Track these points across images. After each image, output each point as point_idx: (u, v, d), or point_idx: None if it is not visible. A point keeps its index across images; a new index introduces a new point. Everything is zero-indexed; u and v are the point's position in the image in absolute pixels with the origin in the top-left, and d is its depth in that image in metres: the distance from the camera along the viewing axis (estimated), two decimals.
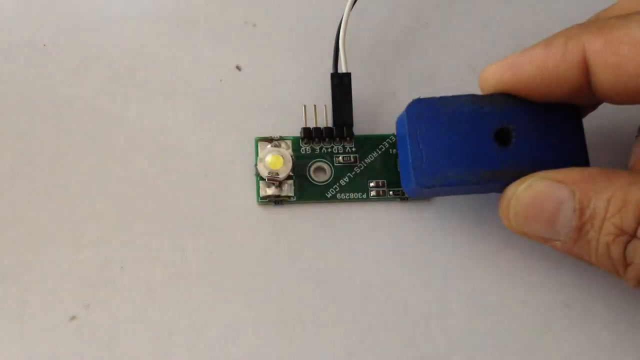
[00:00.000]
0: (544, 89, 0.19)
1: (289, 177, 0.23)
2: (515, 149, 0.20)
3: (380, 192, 0.23)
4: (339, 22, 0.24)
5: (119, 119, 0.24)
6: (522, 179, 0.19)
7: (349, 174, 0.23)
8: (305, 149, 0.23)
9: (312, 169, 0.23)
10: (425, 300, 0.22)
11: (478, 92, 0.21)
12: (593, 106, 0.21)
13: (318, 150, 0.23)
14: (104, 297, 0.22)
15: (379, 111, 0.24)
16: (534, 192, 0.19)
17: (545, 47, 0.19)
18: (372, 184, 0.23)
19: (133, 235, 0.22)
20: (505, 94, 0.20)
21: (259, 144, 0.23)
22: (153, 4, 0.26)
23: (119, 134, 0.24)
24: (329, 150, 0.23)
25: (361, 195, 0.23)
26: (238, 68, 0.25)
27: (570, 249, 0.18)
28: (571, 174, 0.18)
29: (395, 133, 0.24)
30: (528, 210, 0.19)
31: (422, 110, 0.20)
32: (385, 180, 0.23)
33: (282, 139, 0.23)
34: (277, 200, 0.23)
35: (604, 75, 0.18)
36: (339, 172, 0.23)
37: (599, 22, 0.18)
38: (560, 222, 0.18)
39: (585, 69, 0.18)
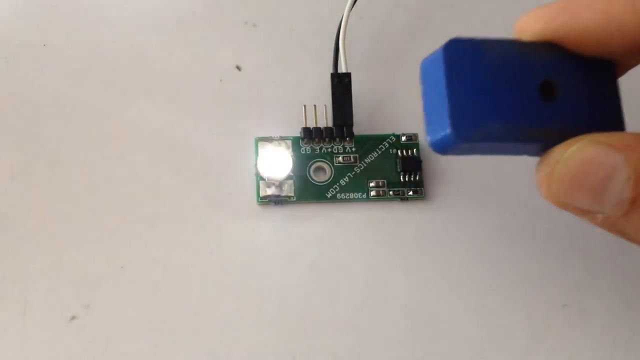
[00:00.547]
0: (601, 40, 0.17)
1: (289, 177, 0.23)
2: (560, 106, 0.17)
3: (380, 192, 0.23)
4: (339, 22, 0.24)
5: (119, 119, 0.24)
6: (570, 141, 0.17)
7: (349, 174, 0.23)
8: (305, 149, 0.23)
9: (312, 169, 0.23)
10: (425, 300, 0.22)
11: None
12: (628, 67, 0.19)
13: (318, 150, 0.24)
14: (104, 297, 0.22)
15: (379, 111, 0.24)
16: (584, 156, 0.16)
17: None
18: (372, 184, 0.23)
19: (133, 235, 0.22)
20: (548, 43, 0.17)
21: (259, 144, 0.23)
22: (153, 4, 0.26)
23: (118, 134, 0.24)
24: (329, 150, 0.23)
25: (361, 195, 0.23)
26: (238, 68, 0.25)
27: (614, 224, 0.16)
28: (626, 138, 0.16)
29: (395, 133, 0.24)
30: (575, 177, 0.16)
31: (463, 51, 0.17)
32: (385, 180, 0.23)
33: (282, 139, 0.23)
34: (277, 200, 0.23)
35: None
36: (339, 172, 0.23)
37: None
38: (610, 192, 0.16)
39: None
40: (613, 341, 0.21)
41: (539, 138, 0.17)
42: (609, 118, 0.18)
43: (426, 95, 0.18)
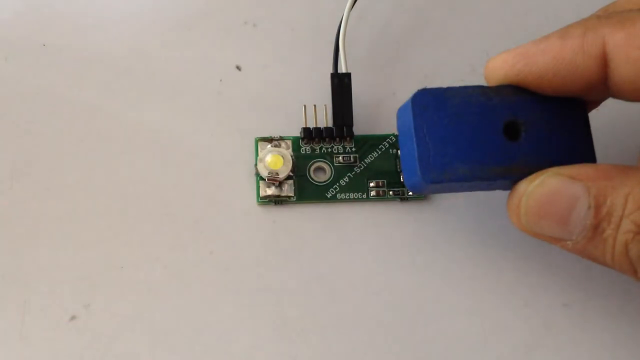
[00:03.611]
0: (558, 81, 0.18)
1: (289, 177, 0.23)
2: (524, 144, 0.19)
3: (380, 192, 0.23)
4: (339, 22, 0.24)
5: (119, 119, 0.24)
6: (534, 175, 0.18)
7: (349, 174, 0.23)
8: (305, 149, 0.23)
9: (312, 169, 0.23)
10: (425, 301, 0.22)
11: None
12: (598, 102, 0.20)
13: (318, 150, 0.24)
14: (104, 297, 0.22)
15: (379, 111, 0.24)
16: (547, 189, 0.18)
17: (560, 38, 0.18)
18: (372, 184, 0.23)
19: (133, 235, 0.22)
20: (513, 86, 0.19)
21: (259, 144, 0.23)
22: (153, 4, 0.26)
23: (118, 134, 0.24)
24: (329, 150, 0.23)
25: (361, 195, 0.23)
26: (238, 68, 0.25)
27: (583, 249, 0.17)
28: (585, 170, 0.17)
29: (395, 133, 0.24)
30: (540, 208, 0.18)
31: (429, 101, 0.19)
32: (385, 180, 0.23)
33: (282, 139, 0.23)
34: (277, 200, 0.23)
35: (624, 70, 0.17)
36: (339, 172, 0.23)
37: (619, 15, 0.18)
38: (574, 220, 0.17)
39: (604, 63, 0.17)
40: (613, 341, 0.21)
41: (506, 175, 0.19)
42: (578, 151, 0.19)
43: (401, 142, 0.20)
